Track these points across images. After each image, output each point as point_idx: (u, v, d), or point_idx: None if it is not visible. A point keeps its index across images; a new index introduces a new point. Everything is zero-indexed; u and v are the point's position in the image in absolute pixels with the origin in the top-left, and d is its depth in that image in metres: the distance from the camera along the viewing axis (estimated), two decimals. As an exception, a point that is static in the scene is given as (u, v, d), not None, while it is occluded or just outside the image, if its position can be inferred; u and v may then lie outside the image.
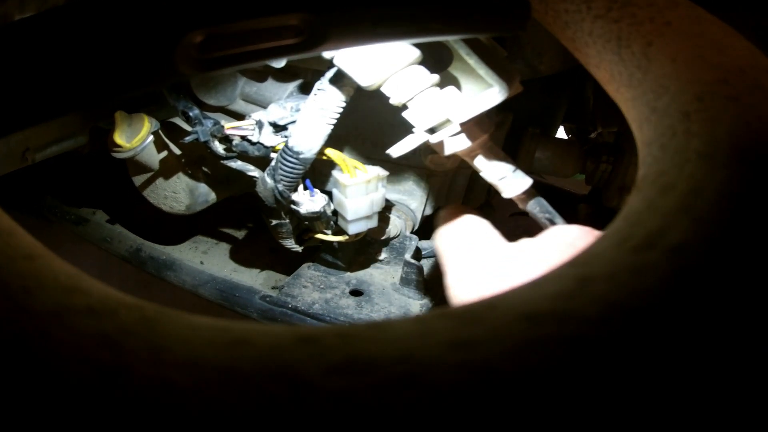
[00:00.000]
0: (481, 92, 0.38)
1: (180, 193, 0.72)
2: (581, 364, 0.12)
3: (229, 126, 0.57)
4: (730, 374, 0.13)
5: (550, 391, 0.12)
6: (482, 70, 0.37)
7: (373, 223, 0.63)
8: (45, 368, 0.11)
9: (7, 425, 0.11)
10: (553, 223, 0.49)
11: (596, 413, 0.12)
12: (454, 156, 0.42)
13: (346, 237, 0.66)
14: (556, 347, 0.13)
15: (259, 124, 0.57)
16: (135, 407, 0.11)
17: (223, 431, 0.11)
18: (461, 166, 0.68)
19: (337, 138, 0.63)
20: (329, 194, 0.63)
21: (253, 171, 0.60)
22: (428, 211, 0.73)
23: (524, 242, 0.32)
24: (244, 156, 0.59)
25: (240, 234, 1.03)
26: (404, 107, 0.40)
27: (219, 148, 0.59)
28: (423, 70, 0.39)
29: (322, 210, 0.62)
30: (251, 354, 0.12)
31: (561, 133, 1.05)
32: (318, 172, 0.67)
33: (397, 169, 0.68)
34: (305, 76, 0.65)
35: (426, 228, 0.75)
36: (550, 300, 0.14)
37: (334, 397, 0.11)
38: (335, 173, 0.63)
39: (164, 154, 0.70)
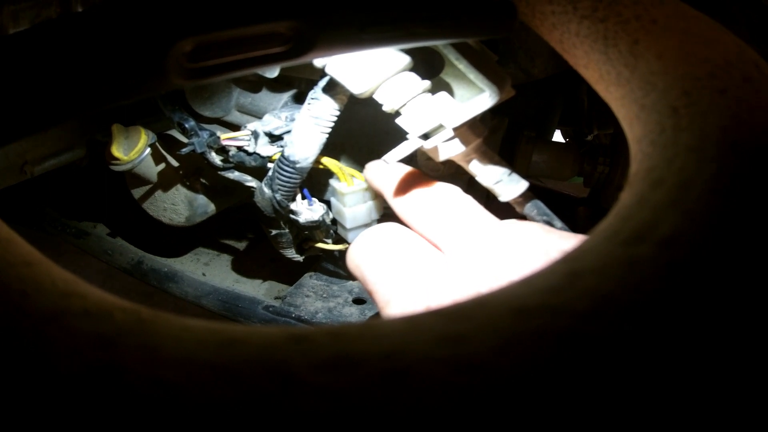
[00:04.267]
0: (473, 97, 0.39)
1: (179, 205, 0.73)
2: (571, 356, 0.12)
3: (225, 137, 0.58)
4: (720, 366, 0.13)
5: (538, 385, 0.12)
6: (472, 74, 0.37)
7: (372, 230, 0.63)
8: (41, 367, 0.12)
9: (4, 422, 0.11)
10: (551, 225, 0.49)
11: (585, 407, 0.12)
12: (449, 161, 0.43)
13: (347, 245, 0.66)
14: (545, 340, 0.13)
15: (255, 135, 0.57)
16: (128, 403, 0.11)
17: (215, 425, 0.11)
18: (458, 172, 0.68)
19: (333, 147, 0.63)
20: (327, 203, 0.64)
21: (250, 181, 0.60)
22: (427, 217, 0.73)
23: (451, 244, 0.29)
24: (241, 166, 0.60)
25: (241, 245, 1.03)
26: (397, 114, 0.40)
27: (216, 159, 0.59)
28: (414, 77, 0.40)
29: (320, 219, 0.62)
30: (243, 352, 0.12)
31: (557, 136, 1.05)
32: (315, 182, 0.67)
33: (394, 176, 0.68)
34: (299, 86, 0.66)
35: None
36: (540, 294, 0.14)
37: (323, 392, 0.11)
38: (332, 182, 0.64)
39: (162, 166, 0.71)
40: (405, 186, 0.32)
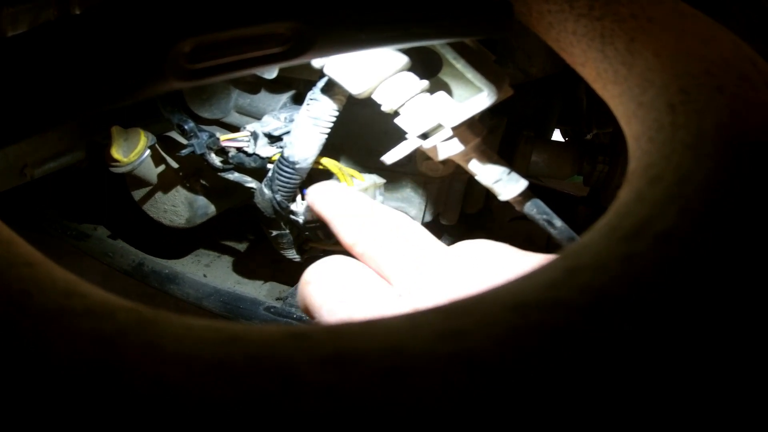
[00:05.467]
0: (471, 96, 0.39)
1: (179, 207, 0.73)
2: (569, 351, 0.13)
3: (225, 138, 0.58)
4: (714, 360, 0.13)
5: (537, 379, 0.12)
6: (470, 74, 0.37)
7: (372, 230, 0.63)
8: (43, 366, 0.12)
9: (5, 421, 0.11)
10: (551, 224, 0.49)
11: (583, 401, 0.12)
12: (449, 161, 0.43)
13: (346, 245, 0.66)
14: (543, 336, 0.13)
15: (254, 136, 0.57)
16: (129, 401, 0.11)
17: (215, 423, 0.11)
18: (458, 172, 0.68)
19: (333, 147, 0.63)
20: (327, 203, 0.64)
21: (250, 182, 0.60)
22: (428, 218, 0.74)
23: (406, 273, 0.28)
24: (240, 167, 0.60)
25: (242, 246, 1.03)
26: (396, 114, 0.41)
27: (215, 160, 0.59)
28: (412, 77, 0.40)
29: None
30: (243, 350, 0.12)
31: (557, 136, 1.05)
32: (315, 182, 0.67)
33: (393, 177, 0.69)
34: (298, 87, 0.66)
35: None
36: (539, 290, 0.14)
37: (324, 390, 0.11)
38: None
39: (162, 167, 0.71)
40: (351, 215, 0.31)
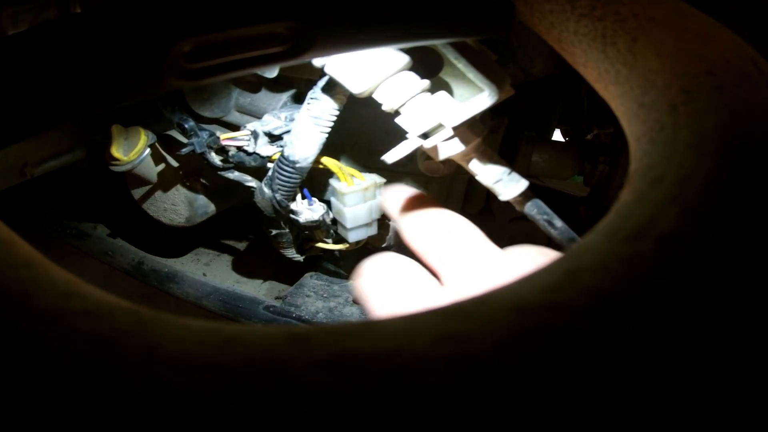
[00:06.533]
0: (472, 96, 0.39)
1: (179, 205, 0.73)
2: (569, 353, 0.12)
3: (225, 137, 0.58)
4: (715, 360, 0.13)
5: (537, 381, 0.12)
6: (471, 73, 0.37)
7: (373, 230, 0.63)
8: (42, 367, 0.12)
9: (5, 421, 0.11)
10: (551, 224, 0.49)
11: (584, 402, 0.12)
12: (449, 161, 0.43)
13: (347, 245, 0.66)
14: (544, 337, 0.13)
15: (255, 135, 0.57)
16: (127, 402, 0.11)
17: (213, 424, 0.11)
18: (458, 172, 0.68)
19: (333, 146, 0.63)
20: (328, 203, 0.64)
21: (250, 181, 0.60)
22: (427, 217, 0.73)
23: (460, 278, 0.30)
24: (240, 167, 0.60)
25: (241, 245, 1.03)
26: (397, 113, 0.40)
27: (216, 159, 0.59)
28: (413, 76, 0.40)
29: (321, 219, 0.62)
30: (242, 352, 0.12)
31: (557, 136, 1.05)
32: (315, 182, 0.67)
33: (394, 177, 0.69)
34: (298, 86, 0.66)
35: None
36: (539, 292, 0.14)
37: (321, 392, 0.11)
38: (332, 182, 0.64)
39: (162, 166, 0.71)
40: (416, 214, 0.34)
